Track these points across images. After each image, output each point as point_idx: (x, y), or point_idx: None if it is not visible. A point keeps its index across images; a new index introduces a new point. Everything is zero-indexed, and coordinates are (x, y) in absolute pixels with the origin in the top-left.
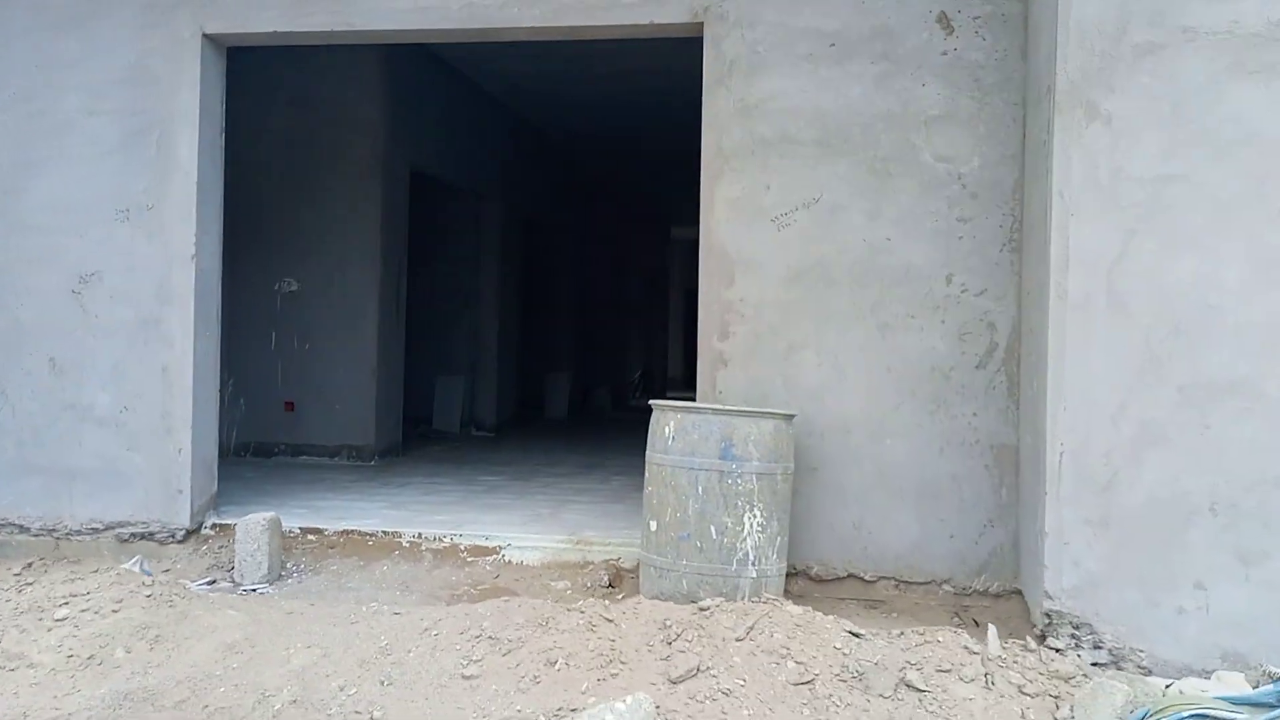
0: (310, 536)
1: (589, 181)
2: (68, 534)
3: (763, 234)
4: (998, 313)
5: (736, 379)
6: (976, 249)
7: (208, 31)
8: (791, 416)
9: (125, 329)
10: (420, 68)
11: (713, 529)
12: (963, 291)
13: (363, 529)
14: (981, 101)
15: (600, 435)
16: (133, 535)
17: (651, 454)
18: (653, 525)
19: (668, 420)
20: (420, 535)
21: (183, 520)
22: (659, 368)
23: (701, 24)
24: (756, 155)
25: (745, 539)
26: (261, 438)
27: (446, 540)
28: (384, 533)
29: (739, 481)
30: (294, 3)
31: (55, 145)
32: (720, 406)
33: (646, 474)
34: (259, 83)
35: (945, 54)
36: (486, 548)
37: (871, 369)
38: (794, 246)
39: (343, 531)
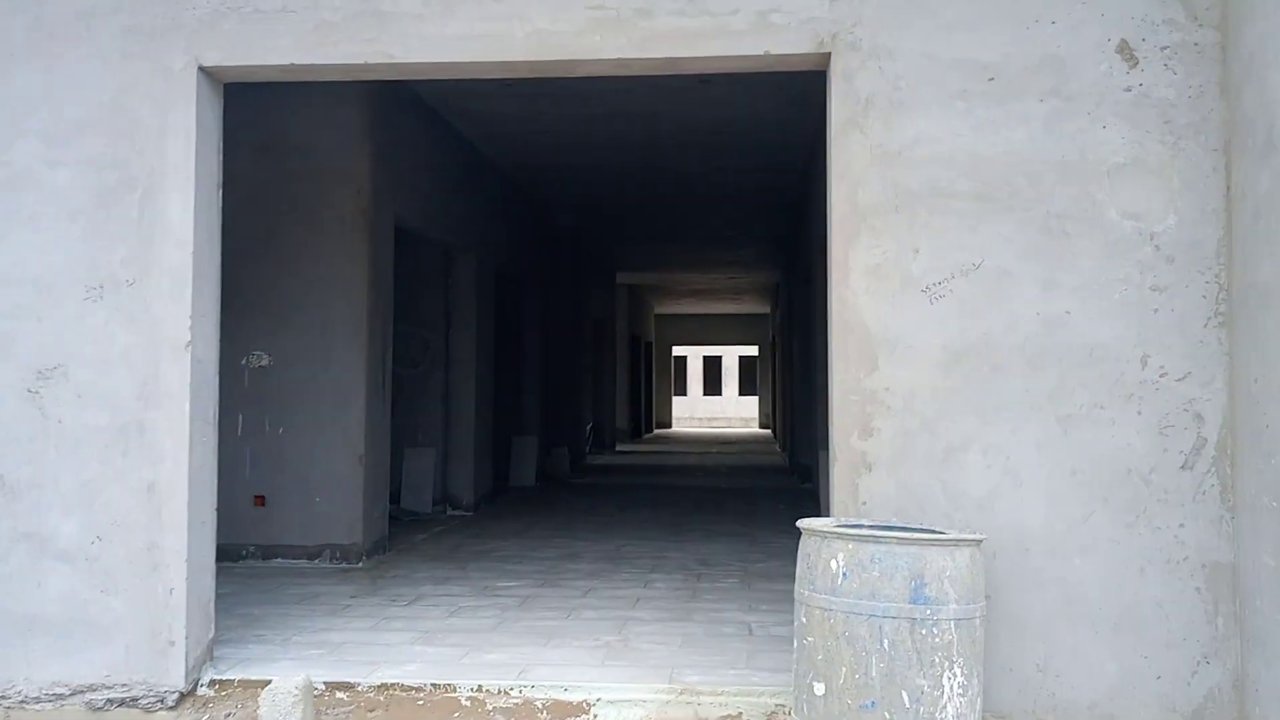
0: (340, 694)
1: (555, 230)
2: (22, 701)
3: (912, 307)
4: (1205, 401)
5: (883, 486)
6: (1176, 324)
7: (204, 64)
8: (980, 542)
9: (98, 437)
10: (403, 109)
11: (904, 695)
12: (1161, 376)
13: (404, 681)
14: (1175, 147)
15: (587, 509)
16: (109, 702)
17: (810, 594)
18: (818, 689)
19: (834, 552)
20: (481, 688)
21: (175, 680)
22: (607, 420)
23: (829, 54)
24: (901, 212)
25: (945, 706)
26: (227, 538)
27: (515, 693)
28: (433, 685)
29: (935, 631)
30: (314, 30)
31: (8, 204)
32: (908, 533)
33: (801, 618)
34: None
35: (1129, 90)
36: (570, 704)
37: (1052, 472)
38: (951, 322)
39: (380, 686)
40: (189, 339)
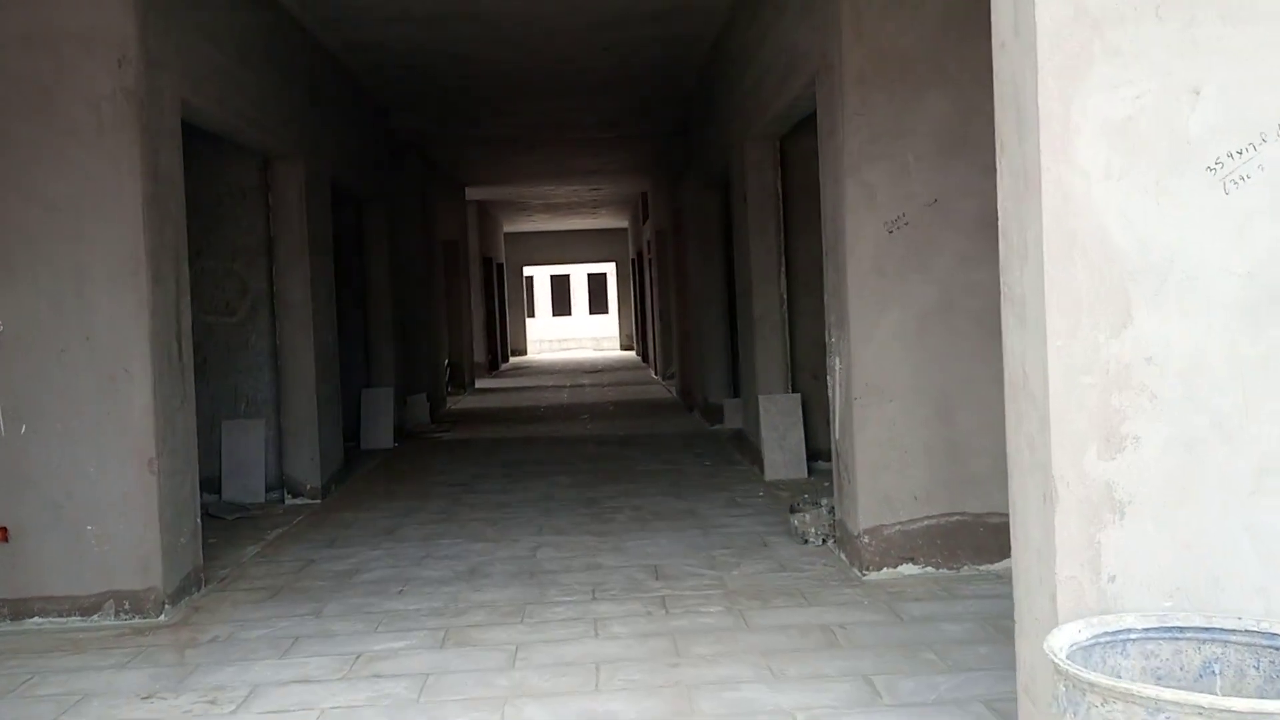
0: None
1: (395, 135)
2: None
3: (1190, 202)
4: None
5: (1146, 543)
6: None
7: None
8: None
9: None
10: None
11: None
12: None
13: None
14: None
15: (468, 482)
16: None
17: None
18: None
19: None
20: None
21: None
22: (465, 355)
23: None
24: (1168, 19)
25: None
26: None
27: None
28: None
29: None
30: None
31: None
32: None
33: None
34: None
35: None
36: None
37: None
38: (1262, 229)
39: None
40: None
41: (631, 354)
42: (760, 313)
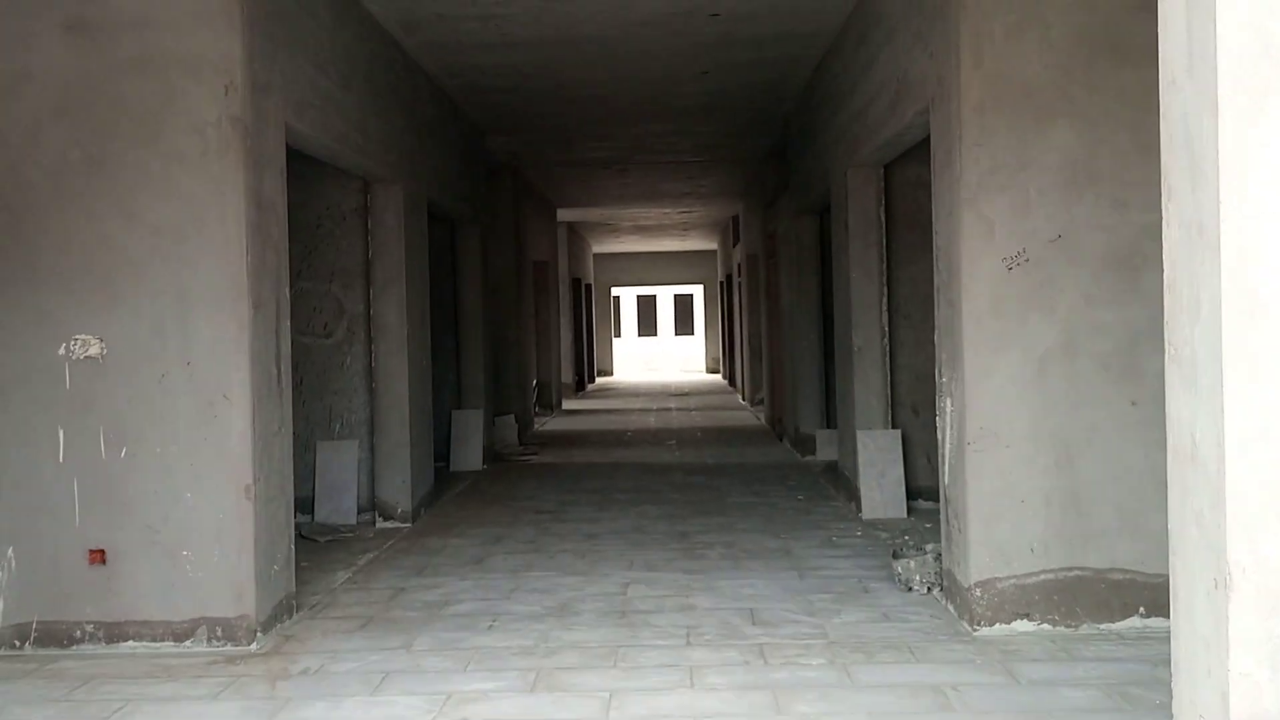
0: None
1: (489, 157)
2: None
3: None
4: None
5: None
6: None
7: None
8: None
9: None
10: None
11: None
12: None
13: None
14: None
15: (556, 510)
16: None
17: None
18: None
19: None
20: None
21: None
22: (553, 376)
23: None
24: None
25: None
26: (49, 613)
27: None
28: None
29: None
30: None
31: None
32: None
33: None
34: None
35: None
36: None
37: None
38: None
39: None
40: None
41: (717, 377)
42: (860, 344)
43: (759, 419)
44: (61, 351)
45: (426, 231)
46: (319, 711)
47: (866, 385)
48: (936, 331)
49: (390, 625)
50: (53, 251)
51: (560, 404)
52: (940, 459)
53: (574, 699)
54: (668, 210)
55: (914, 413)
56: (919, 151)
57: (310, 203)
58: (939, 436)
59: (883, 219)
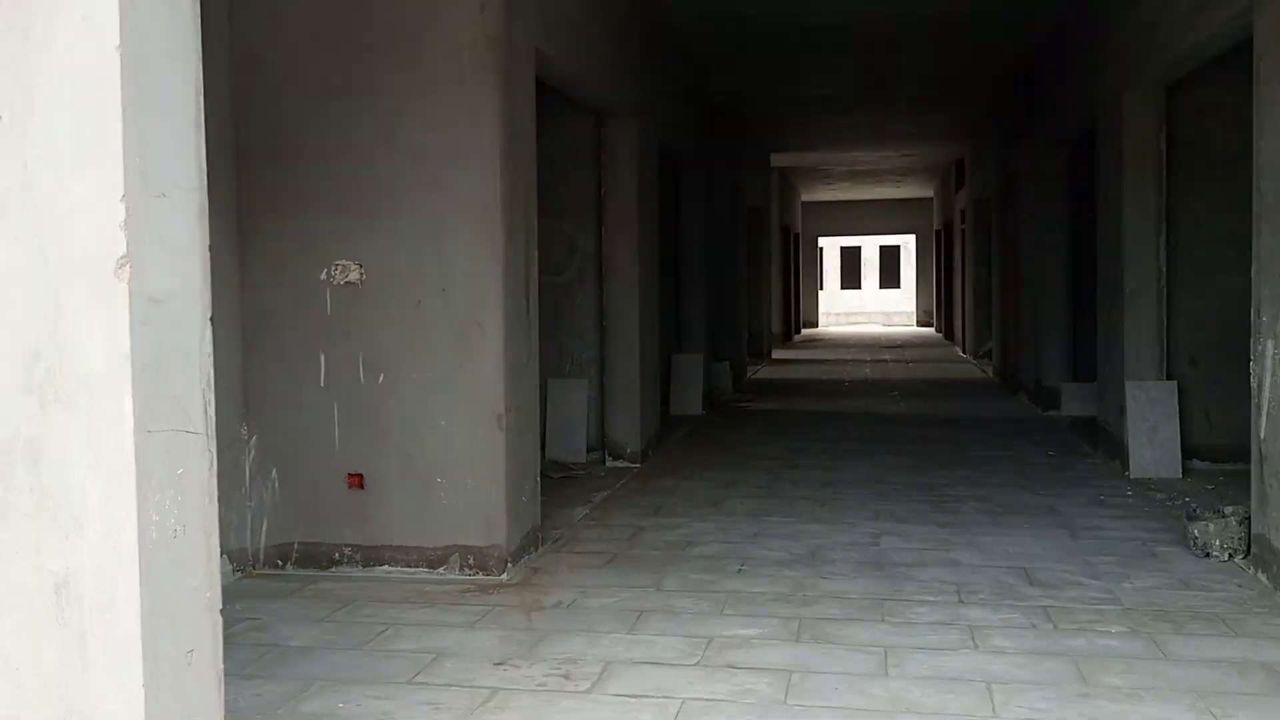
0: None
1: (711, 96)
2: None
3: None
4: None
5: None
6: None
7: None
8: None
9: None
10: None
11: None
12: None
13: None
14: None
15: (785, 456)
16: None
17: None
18: None
19: None
20: None
21: None
22: (764, 324)
23: None
24: None
25: None
26: (310, 535)
27: None
28: None
29: None
30: None
31: None
32: None
33: None
34: None
35: None
36: None
37: None
38: None
39: None
40: (124, 252)
41: (929, 330)
42: (1132, 287)
43: (984, 372)
44: (323, 277)
45: (657, 170)
46: (578, 647)
47: (1138, 332)
48: (1255, 264)
49: (635, 563)
50: (314, 177)
51: (770, 353)
52: (1255, 410)
53: (845, 652)
54: (888, 153)
55: (1191, 363)
56: (1208, 72)
57: (544, 138)
58: (1253, 384)
59: (1163, 147)
